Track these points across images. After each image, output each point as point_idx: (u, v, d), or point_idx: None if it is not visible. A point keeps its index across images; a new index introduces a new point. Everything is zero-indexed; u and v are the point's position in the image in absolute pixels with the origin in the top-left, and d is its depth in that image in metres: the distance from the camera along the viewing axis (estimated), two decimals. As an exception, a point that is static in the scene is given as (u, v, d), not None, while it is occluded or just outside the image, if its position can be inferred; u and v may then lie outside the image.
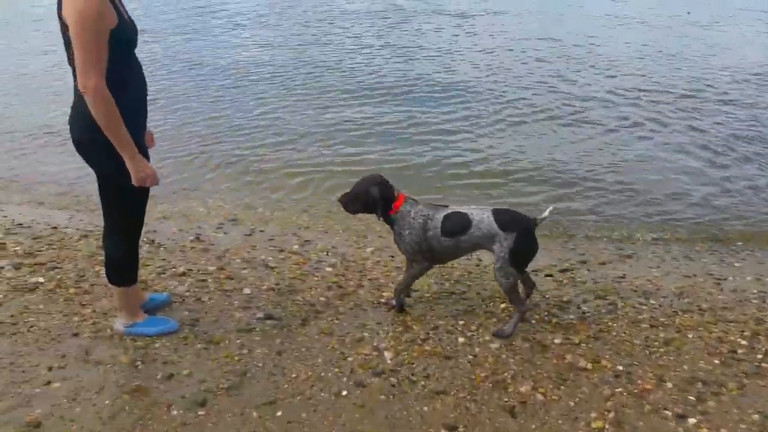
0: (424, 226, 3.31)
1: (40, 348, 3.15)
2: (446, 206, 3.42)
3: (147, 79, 2.94)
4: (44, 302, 3.60)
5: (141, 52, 2.89)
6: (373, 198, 3.34)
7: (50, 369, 2.98)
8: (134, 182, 2.78)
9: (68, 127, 2.84)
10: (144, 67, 2.94)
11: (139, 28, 2.86)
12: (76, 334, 3.28)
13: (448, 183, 6.16)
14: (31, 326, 3.34)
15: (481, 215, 3.27)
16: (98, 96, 2.55)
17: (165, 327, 3.31)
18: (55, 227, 4.85)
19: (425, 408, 2.76)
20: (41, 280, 3.86)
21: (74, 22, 2.48)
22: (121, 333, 3.28)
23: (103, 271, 3.92)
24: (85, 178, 6.00)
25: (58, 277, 3.91)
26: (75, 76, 2.65)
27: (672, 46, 12.19)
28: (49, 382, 2.89)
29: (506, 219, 3.26)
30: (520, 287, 3.45)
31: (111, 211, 3.00)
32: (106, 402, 2.76)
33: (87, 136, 2.75)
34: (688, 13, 15.59)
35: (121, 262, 3.13)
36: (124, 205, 2.96)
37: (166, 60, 10.83)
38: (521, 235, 3.22)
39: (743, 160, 6.70)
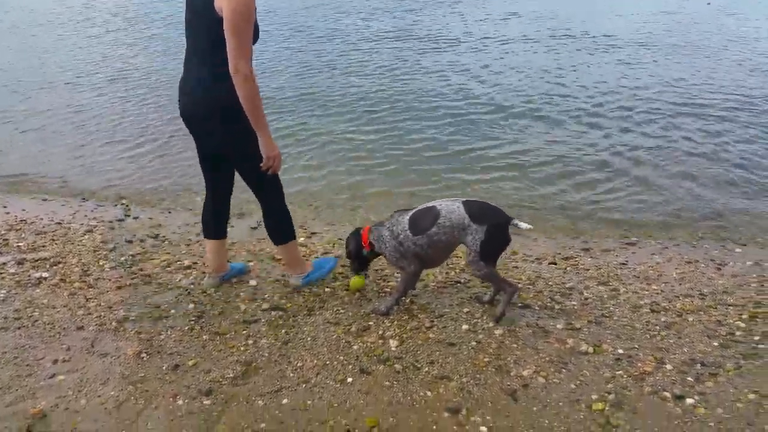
0: (393, 235, 3.33)
1: (44, 342, 3.19)
2: (416, 207, 3.40)
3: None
4: (48, 297, 3.64)
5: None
6: (349, 252, 3.53)
7: (55, 362, 3.02)
8: (264, 161, 3.12)
9: (186, 114, 3.16)
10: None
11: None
12: (80, 328, 3.32)
13: (459, 168, 6.24)
14: (35, 320, 3.38)
15: (451, 206, 3.21)
16: (249, 79, 2.85)
17: (332, 264, 3.81)
18: (59, 222, 4.88)
19: (429, 393, 2.78)
20: (45, 275, 3.90)
21: (238, 13, 2.76)
22: (298, 285, 3.66)
23: (107, 265, 3.99)
24: (89, 174, 6.07)
25: (63, 271, 3.95)
26: (206, 63, 2.95)
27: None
28: (54, 375, 2.92)
29: (479, 211, 3.18)
30: None
31: (254, 184, 3.33)
32: (112, 393, 2.79)
33: (226, 121, 3.04)
34: (708, 3, 15.64)
35: (278, 222, 3.48)
36: (261, 175, 3.21)
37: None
38: (493, 228, 3.15)
39: (749, 147, 6.69)
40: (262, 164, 3.12)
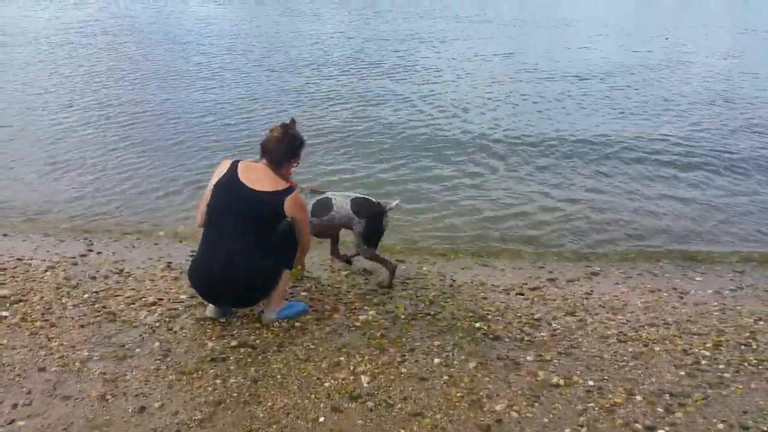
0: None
1: (3, 385, 3.05)
2: (323, 192, 4.20)
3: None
4: (8, 336, 3.51)
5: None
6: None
7: (15, 407, 2.89)
8: None
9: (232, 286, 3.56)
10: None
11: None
12: (42, 369, 3.20)
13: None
14: (-6, 362, 3.25)
15: (342, 202, 4.07)
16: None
17: (301, 309, 3.85)
18: (20, 259, 4.73)
19: (402, 430, 2.76)
20: (5, 313, 3.76)
21: (305, 220, 3.68)
22: (272, 319, 3.70)
23: (69, 303, 3.90)
24: (50, 207, 5.95)
25: (24, 310, 3.82)
26: (246, 243, 3.50)
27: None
28: (13, 421, 2.79)
29: (359, 207, 4.04)
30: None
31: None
32: (76, 438, 2.69)
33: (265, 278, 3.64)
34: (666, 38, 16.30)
35: (291, 251, 3.73)
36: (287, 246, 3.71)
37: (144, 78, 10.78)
38: (370, 220, 4.02)
39: (705, 180, 6.92)
40: None
